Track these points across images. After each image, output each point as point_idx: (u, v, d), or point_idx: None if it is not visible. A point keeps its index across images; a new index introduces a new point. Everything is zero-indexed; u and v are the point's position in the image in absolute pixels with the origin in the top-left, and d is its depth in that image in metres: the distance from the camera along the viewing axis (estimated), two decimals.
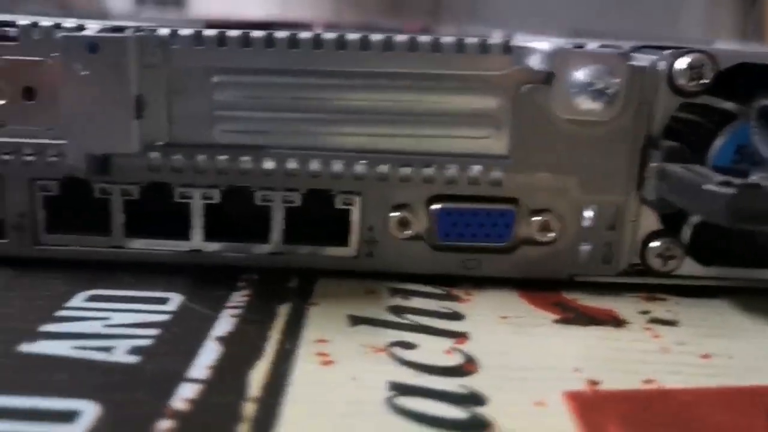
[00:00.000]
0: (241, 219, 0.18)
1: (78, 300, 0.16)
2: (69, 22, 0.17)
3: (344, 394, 0.13)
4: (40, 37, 0.17)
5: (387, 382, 0.14)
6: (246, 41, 0.17)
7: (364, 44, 0.17)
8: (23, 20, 0.17)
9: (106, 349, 0.14)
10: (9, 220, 0.18)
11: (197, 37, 0.17)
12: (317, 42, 0.17)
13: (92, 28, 0.17)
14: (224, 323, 0.16)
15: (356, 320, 0.16)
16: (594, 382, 0.14)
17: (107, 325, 0.15)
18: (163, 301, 0.17)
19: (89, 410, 0.12)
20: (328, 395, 0.13)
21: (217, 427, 0.12)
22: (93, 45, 0.15)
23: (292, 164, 0.18)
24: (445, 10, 1.27)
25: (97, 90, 0.16)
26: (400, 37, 0.17)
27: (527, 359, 0.15)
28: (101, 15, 0.37)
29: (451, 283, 0.18)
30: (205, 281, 0.18)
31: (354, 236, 0.18)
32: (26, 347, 0.14)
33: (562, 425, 0.12)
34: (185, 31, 0.17)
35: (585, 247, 0.18)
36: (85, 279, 0.18)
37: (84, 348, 0.14)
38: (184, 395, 0.13)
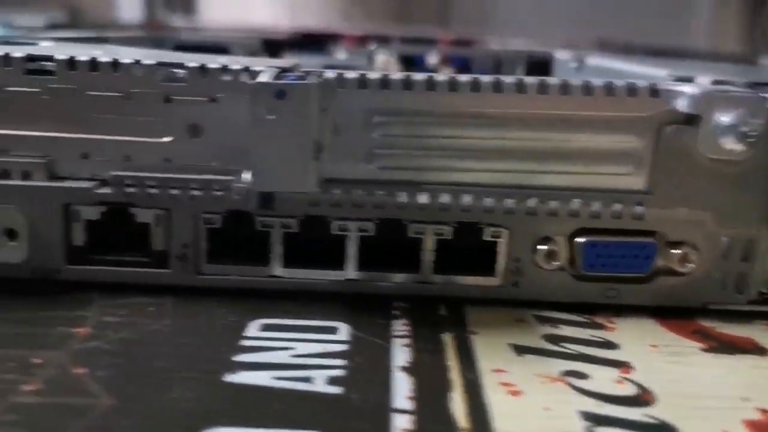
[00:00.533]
0: (392, 250, 0.19)
1: (253, 329, 0.17)
2: (235, 64, 0.18)
3: (547, 426, 0.14)
4: (208, 79, 0.18)
5: (577, 412, 0.14)
6: (408, 84, 0.18)
7: (520, 88, 0.18)
8: (191, 63, 0.19)
9: (305, 380, 0.15)
10: (173, 251, 0.19)
11: (362, 80, 0.18)
12: (475, 85, 0.18)
13: (263, 70, 0.18)
14: (400, 353, 0.17)
15: (520, 349, 0.17)
16: (765, 411, 0.15)
17: (294, 355, 0.16)
18: (332, 330, 0.18)
19: None
20: (531, 426, 0.14)
21: None
22: (281, 92, 0.16)
23: (444, 199, 0.19)
24: (454, 17, 1.29)
25: (281, 133, 0.17)
26: (553, 81, 0.18)
27: (697, 388, 0.16)
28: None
29: (589, 310, 0.19)
30: (361, 310, 0.19)
31: (500, 266, 0.19)
32: (230, 377, 0.15)
33: None
34: (350, 75, 0.18)
35: (719, 277, 0.19)
36: (248, 308, 0.19)
37: (283, 378, 0.15)
38: (401, 426, 0.14)
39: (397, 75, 0.18)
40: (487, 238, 0.19)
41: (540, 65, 0.42)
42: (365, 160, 0.18)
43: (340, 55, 0.49)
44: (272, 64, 0.18)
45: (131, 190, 0.19)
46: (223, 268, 0.19)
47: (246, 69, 0.18)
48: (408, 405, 0.14)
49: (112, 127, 0.19)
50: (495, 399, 0.15)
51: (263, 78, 0.17)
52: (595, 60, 0.36)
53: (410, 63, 0.44)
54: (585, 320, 0.19)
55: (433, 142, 0.18)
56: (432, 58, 0.46)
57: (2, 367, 0.15)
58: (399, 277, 0.19)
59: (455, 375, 0.16)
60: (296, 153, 0.17)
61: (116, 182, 0.19)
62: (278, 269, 0.19)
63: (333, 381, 0.15)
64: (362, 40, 0.56)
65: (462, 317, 0.19)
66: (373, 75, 0.18)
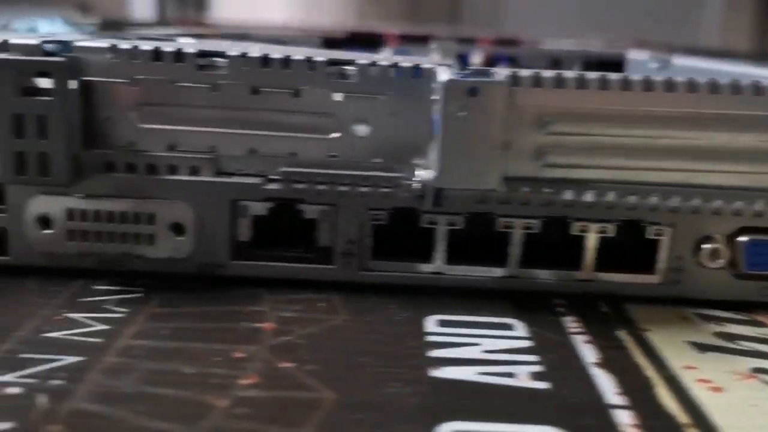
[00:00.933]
0: (553, 247, 0.19)
1: (431, 325, 0.18)
2: (405, 61, 0.19)
3: (762, 419, 0.14)
4: (377, 75, 0.19)
5: None
6: (582, 83, 0.18)
7: (690, 87, 0.18)
8: (361, 60, 0.19)
9: (509, 375, 0.15)
10: (338, 247, 0.19)
11: (536, 78, 0.18)
12: (647, 84, 0.18)
13: (435, 67, 0.18)
14: (585, 349, 0.17)
15: (700, 347, 0.17)
16: None
17: (484, 351, 0.16)
18: (508, 326, 0.18)
19: None
20: (748, 422, 0.14)
21: None
22: (473, 89, 0.17)
23: (610, 197, 0.19)
24: (465, 13, 1.29)
25: (471, 130, 0.17)
26: (725, 81, 0.18)
27: None
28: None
29: (746, 308, 0.20)
30: (525, 306, 0.19)
31: (661, 265, 0.19)
32: (434, 372, 0.15)
33: None
34: (525, 73, 0.18)
35: None
36: (416, 304, 0.19)
37: (486, 374, 0.15)
38: (624, 421, 0.14)
39: (570, 74, 0.18)
40: (649, 236, 0.19)
41: (611, 65, 0.42)
42: (535, 159, 0.19)
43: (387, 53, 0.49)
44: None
45: (300, 186, 0.19)
46: (386, 264, 0.19)
47: (417, 66, 0.18)
48: (621, 401, 0.15)
49: (279, 123, 0.19)
50: (700, 395, 0.15)
51: (446, 75, 0.17)
52: (680, 60, 0.36)
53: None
54: (747, 318, 0.19)
55: (601, 140, 0.19)
56: (476, 57, 0.46)
57: (210, 362, 0.15)
58: (559, 274, 0.19)
59: (651, 372, 0.16)
60: (485, 150, 0.17)
61: (286, 178, 0.19)
62: (441, 265, 0.19)
63: (536, 376, 0.15)
64: (404, 40, 0.57)
65: (627, 315, 0.19)
66: (548, 74, 0.18)
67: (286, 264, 0.19)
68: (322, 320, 0.18)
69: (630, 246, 0.19)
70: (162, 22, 0.66)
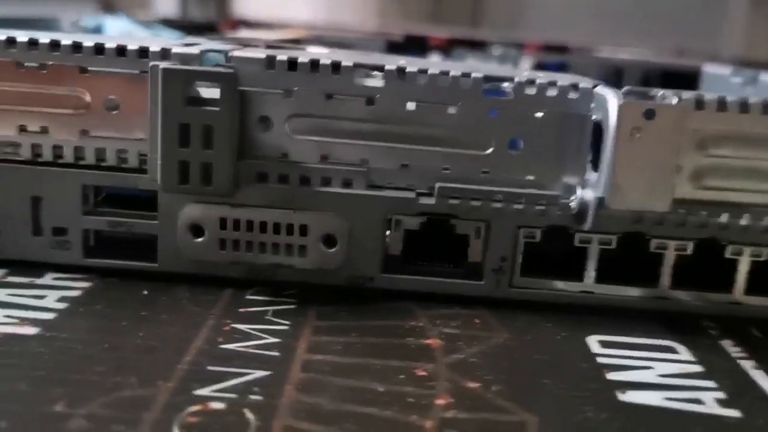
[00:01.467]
0: (704, 269, 0.19)
1: (595, 346, 0.18)
2: (563, 80, 0.19)
3: None
4: (534, 93, 0.19)
5: None
6: (744, 107, 0.18)
7: None
8: (517, 77, 0.19)
9: (697, 401, 0.15)
10: (489, 263, 0.19)
11: (700, 101, 0.18)
12: None
13: (588, 86, 0.18)
14: (759, 376, 0.17)
15: None
16: None
17: (659, 375, 0.16)
18: (671, 350, 0.18)
19: None
20: None
21: None
22: (651, 112, 0.17)
23: (766, 221, 0.19)
24: (487, 17, 1.29)
25: (645, 153, 0.17)
26: None
27: None
28: None
29: None
30: (679, 327, 0.19)
31: None
32: (622, 397, 0.15)
33: None
34: (709, 97, 0.18)
35: None
36: (571, 323, 0.19)
37: (673, 399, 0.15)
38: None
39: (732, 98, 0.18)
40: None
41: (684, 78, 0.41)
42: (692, 180, 0.19)
43: (434, 58, 0.49)
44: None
45: (455, 201, 0.19)
46: (535, 281, 0.19)
47: (569, 85, 0.18)
48: None
49: (432, 137, 0.19)
50: None
51: (615, 97, 0.17)
52: (765, 77, 0.35)
53: None
54: None
55: (759, 164, 0.19)
56: (525, 63, 0.46)
57: (396, 379, 0.15)
58: (713, 297, 0.19)
59: None
60: (659, 173, 0.17)
61: (441, 194, 0.19)
62: (591, 284, 0.19)
63: (723, 403, 0.15)
64: (449, 44, 0.57)
65: None
66: (710, 97, 0.18)
67: (435, 278, 0.19)
68: (483, 338, 0.18)
69: None
70: (214, 21, 0.66)
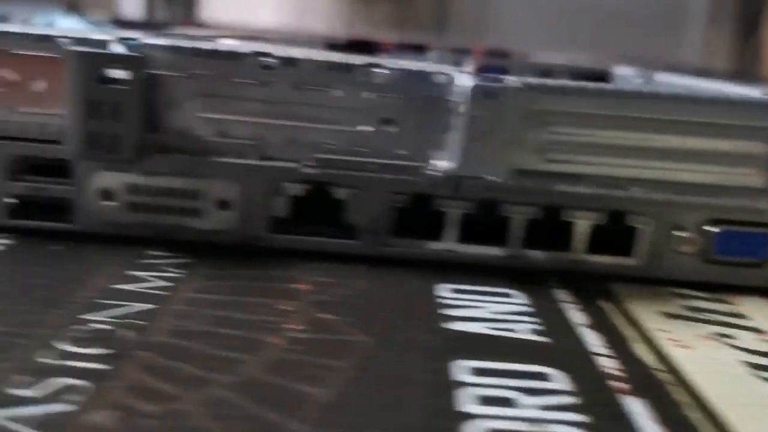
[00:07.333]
0: (548, 232, 0.22)
1: (444, 291, 0.21)
2: (429, 68, 0.22)
3: (720, 370, 0.17)
4: (404, 78, 0.22)
5: (739, 361, 0.18)
6: (582, 92, 0.21)
7: (674, 98, 0.21)
8: (391, 64, 0.22)
9: (511, 330, 0.18)
10: (363, 225, 0.22)
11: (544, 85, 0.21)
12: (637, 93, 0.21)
13: (455, 74, 0.21)
14: (576, 315, 0.20)
15: (671, 316, 0.20)
16: None
17: (490, 312, 0.19)
18: (509, 295, 0.21)
19: (559, 376, 0.16)
20: (709, 368, 0.17)
21: (656, 386, 0.16)
22: (493, 92, 0.20)
23: (600, 190, 0.22)
24: (452, 23, 1.33)
25: (488, 128, 0.20)
26: (702, 94, 0.21)
27: None
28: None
29: (712, 290, 0.23)
30: (524, 280, 0.22)
31: (641, 249, 0.22)
32: (448, 325, 0.18)
33: None
34: (535, 81, 0.21)
35: None
36: (431, 275, 0.22)
37: (493, 328, 0.18)
38: (609, 365, 0.17)
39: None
40: (632, 224, 0.22)
41: (597, 79, 0.45)
42: (536, 153, 0.22)
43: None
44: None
45: (333, 171, 0.22)
46: (405, 241, 0.22)
47: (435, 72, 0.22)
48: (606, 351, 0.18)
49: (317, 117, 0.22)
50: (670, 350, 0.18)
51: (470, 81, 0.20)
52: (661, 77, 0.39)
53: None
54: (712, 297, 0.22)
55: (594, 140, 0.22)
56: (467, 68, 0.49)
57: (259, 311, 0.18)
58: (554, 255, 0.23)
59: (630, 332, 0.19)
60: (502, 146, 0.20)
61: (322, 164, 0.22)
62: (452, 244, 0.22)
63: (534, 332, 0.18)
64: (401, 48, 0.60)
65: (611, 291, 0.22)
66: (554, 83, 0.21)
67: (318, 238, 0.22)
68: (351, 285, 0.20)
69: (617, 234, 0.23)
70: (170, 22, 0.68)
